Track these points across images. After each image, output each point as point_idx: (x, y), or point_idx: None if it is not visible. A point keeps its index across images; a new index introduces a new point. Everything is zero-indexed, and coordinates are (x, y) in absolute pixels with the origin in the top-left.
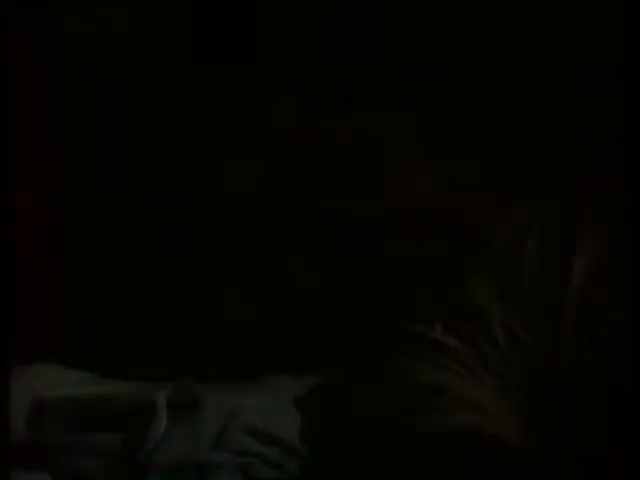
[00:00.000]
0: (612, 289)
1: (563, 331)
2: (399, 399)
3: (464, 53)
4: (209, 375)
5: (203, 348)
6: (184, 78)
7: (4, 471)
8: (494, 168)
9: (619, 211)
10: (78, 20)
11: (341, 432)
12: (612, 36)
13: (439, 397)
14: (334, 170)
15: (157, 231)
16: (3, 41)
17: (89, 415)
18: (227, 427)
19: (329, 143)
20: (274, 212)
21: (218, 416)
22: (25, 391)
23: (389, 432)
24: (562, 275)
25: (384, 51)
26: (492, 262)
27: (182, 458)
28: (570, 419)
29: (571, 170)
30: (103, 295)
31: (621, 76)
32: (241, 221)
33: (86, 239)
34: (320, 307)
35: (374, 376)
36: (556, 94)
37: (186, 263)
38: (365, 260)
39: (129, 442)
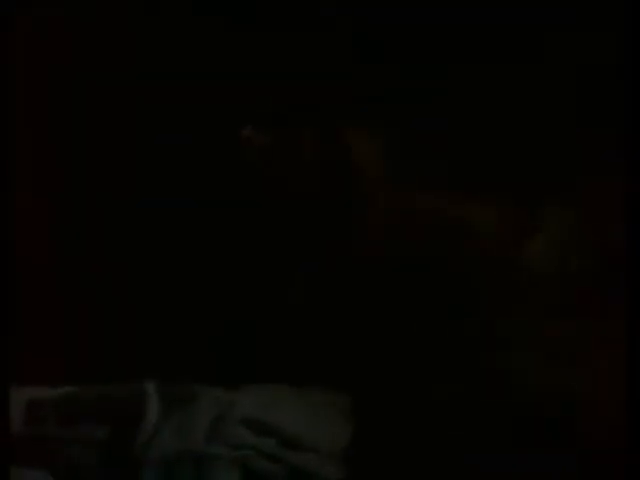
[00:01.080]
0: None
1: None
2: None
3: (463, 53)
4: (206, 376)
5: (202, 348)
6: (183, 78)
7: (3, 467)
8: (494, 168)
9: (619, 212)
10: (78, 20)
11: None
12: (612, 36)
13: None
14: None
15: (157, 231)
16: (3, 41)
17: (85, 409)
18: (223, 419)
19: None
20: (274, 212)
21: (213, 408)
22: (24, 388)
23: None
24: None
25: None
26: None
27: (177, 450)
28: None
29: (571, 170)
30: (103, 295)
31: (621, 76)
32: (241, 221)
33: (86, 239)
34: (320, 307)
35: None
36: (556, 94)
37: (186, 263)
38: (365, 260)
39: (123, 435)
